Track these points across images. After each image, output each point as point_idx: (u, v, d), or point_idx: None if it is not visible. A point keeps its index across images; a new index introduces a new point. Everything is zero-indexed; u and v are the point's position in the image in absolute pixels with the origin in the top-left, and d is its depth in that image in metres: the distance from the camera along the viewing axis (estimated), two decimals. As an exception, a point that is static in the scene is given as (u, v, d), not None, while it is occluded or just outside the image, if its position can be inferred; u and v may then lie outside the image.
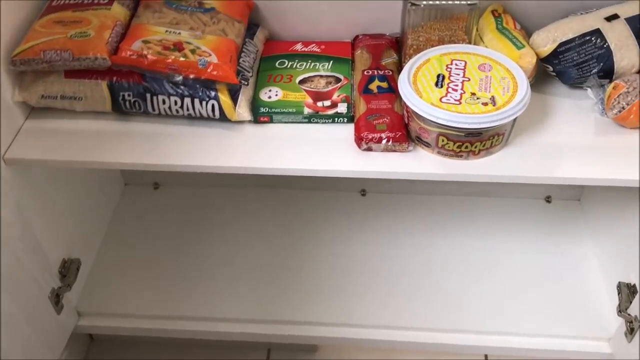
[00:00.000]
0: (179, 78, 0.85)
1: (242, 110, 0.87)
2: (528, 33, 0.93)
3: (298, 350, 1.18)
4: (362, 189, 1.31)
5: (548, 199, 1.28)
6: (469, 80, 0.83)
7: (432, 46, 0.90)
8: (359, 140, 0.85)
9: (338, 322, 1.09)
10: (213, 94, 0.86)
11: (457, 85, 0.82)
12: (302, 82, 0.93)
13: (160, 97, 0.87)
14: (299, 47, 1.00)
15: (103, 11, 0.90)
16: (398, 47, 0.98)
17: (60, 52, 0.84)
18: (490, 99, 0.80)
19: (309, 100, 0.90)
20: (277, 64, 0.96)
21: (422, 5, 0.88)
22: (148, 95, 0.87)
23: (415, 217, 1.26)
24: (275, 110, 0.89)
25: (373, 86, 0.90)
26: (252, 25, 0.99)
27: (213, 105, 0.87)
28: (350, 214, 1.27)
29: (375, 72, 0.93)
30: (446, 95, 0.81)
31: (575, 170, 0.82)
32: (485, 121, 0.77)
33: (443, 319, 1.09)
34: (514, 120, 0.81)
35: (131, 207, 1.30)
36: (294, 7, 0.99)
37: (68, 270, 1.07)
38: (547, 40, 0.89)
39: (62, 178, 1.08)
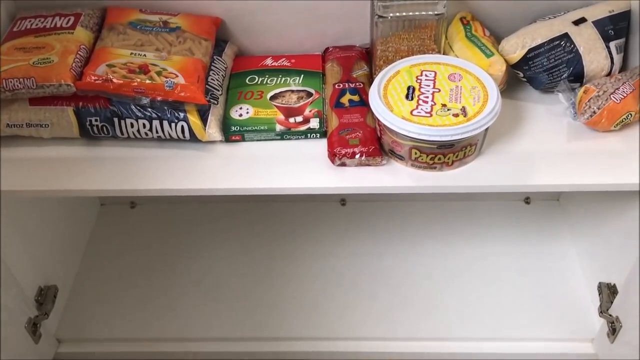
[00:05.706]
0: (146, 101, 0.83)
1: (213, 131, 0.86)
2: (497, 39, 0.92)
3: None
4: (342, 198, 1.30)
5: (527, 200, 1.28)
6: (439, 91, 0.82)
7: (402, 57, 0.90)
8: (332, 156, 0.84)
9: (323, 336, 1.08)
10: (182, 115, 0.85)
11: (427, 97, 0.81)
12: (273, 98, 0.92)
13: (128, 121, 0.85)
14: (269, 61, 0.98)
15: (66, 35, 0.88)
16: (369, 58, 0.97)
17: (23, 79, 0.83)
18: (461, 109, 0.79)
19: (281, 116, 0.89)
20: (247, 80, 0.95)
21: (389, 18, 0.87)
22: (116, 120, 0.85)
23: (396, 224, 1.26)
24: (247, 129, 0.88)
25: (345, 100, 0.89)
26: (220, 42, 0.97)
27: (182, 127, 0.85)
28: (331, 224, 1.26)
29: (347, 85, 0.92)
30: (417, 108, 0.80)
31: (550, 177, 0.81)
32: (456, 133, 0.77)
33: (426, 327, 1.08)
34: (486, 129, 0.80)
35: (108, 227, 1.28)
36: (262, 21, 0.98)
37: (45, 297, 1.05)
38: (516, 46, 0.88)
39: (34, 203, 1.06)
